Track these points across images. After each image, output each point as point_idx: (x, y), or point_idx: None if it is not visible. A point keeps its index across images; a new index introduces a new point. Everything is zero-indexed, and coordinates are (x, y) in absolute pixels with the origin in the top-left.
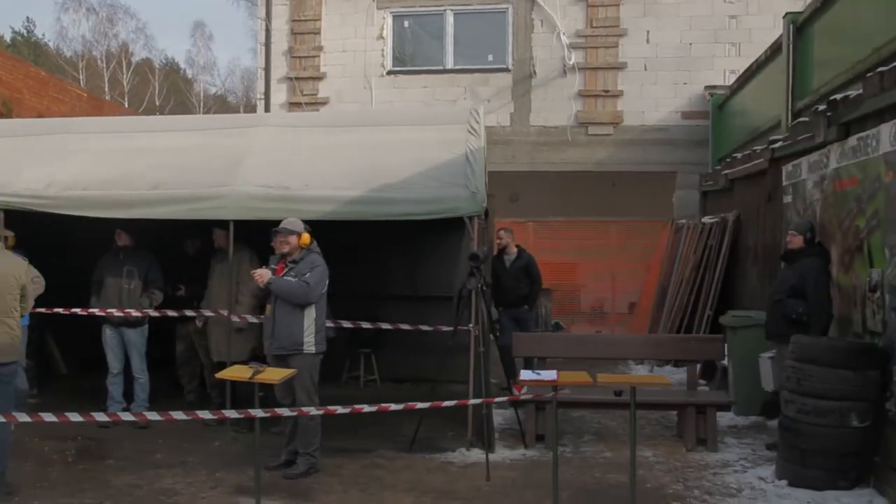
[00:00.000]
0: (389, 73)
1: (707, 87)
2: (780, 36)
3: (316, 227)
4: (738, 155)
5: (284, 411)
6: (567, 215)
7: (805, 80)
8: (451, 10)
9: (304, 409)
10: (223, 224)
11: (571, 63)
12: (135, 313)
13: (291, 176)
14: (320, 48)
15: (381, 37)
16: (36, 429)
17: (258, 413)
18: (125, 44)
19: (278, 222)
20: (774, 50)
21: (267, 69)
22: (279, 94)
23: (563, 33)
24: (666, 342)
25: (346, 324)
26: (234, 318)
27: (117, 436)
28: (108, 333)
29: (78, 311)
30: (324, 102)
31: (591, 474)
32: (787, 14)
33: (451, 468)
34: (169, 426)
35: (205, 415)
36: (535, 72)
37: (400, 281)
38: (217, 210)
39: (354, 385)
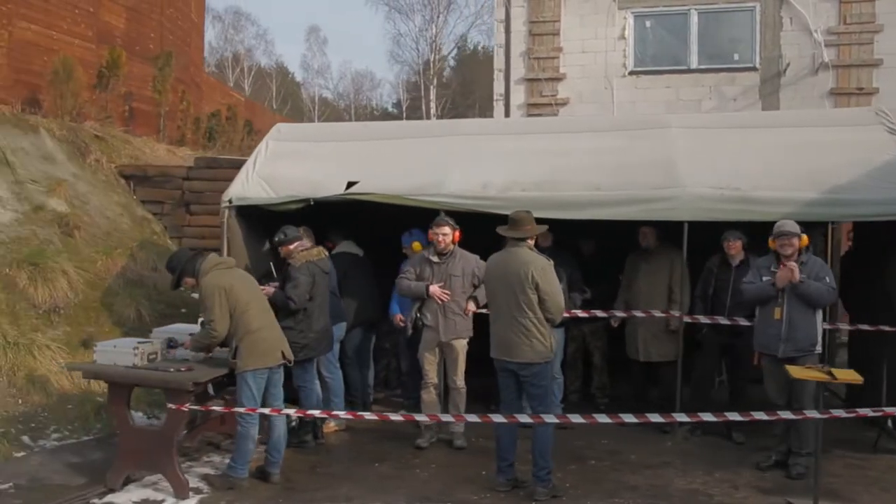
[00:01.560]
0: (631, 73)
1: None
2: None
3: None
4: None
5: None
6: None
7: None
8: (696, 9)
9: (805, 411)
10: (650, 223)
11: (825, 61)
12: (581, 314)
13: (733, 177)
14: (559, 49)
15: (622, 37)
16: None
17: (761, 415)
18: (249, 49)
19: (725, 224)
20: None
21: (507, 71)
22: (517, 95)
23: (817, 30)
24: None
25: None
26: (685, 319)
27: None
28: None
29: None
30: (564, 103)
31: None
32: None
33: None
34: (591, 427)
35: (708, 417)
36: (785, 71)
37: None
38: (670, 211)
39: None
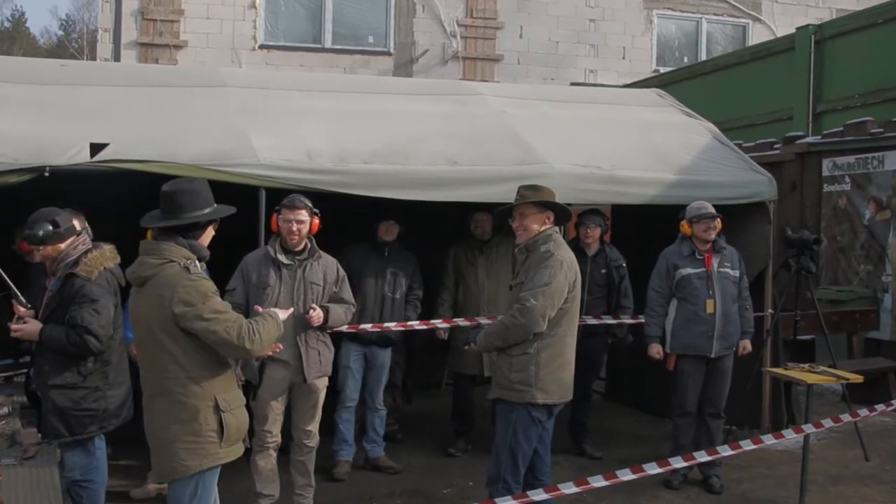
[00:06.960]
0: (262, 47)
1: (572, 84)
2: None
3: None
4: None
5: None
6: None
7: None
8: None
9: None
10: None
11: (453, 51)
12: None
13: (588, 154)
14: (180, 12)
15: (252, 6)
16: None
17: None
18: None
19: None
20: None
21: (116, 32)
22: (128, 62)
23: (445, 21)
24: None
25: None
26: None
27: None
28: (352, 353)
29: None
30: None
31: None
32: None
33: None
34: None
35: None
36: (416, 58)
37: None
38: None
39: None
